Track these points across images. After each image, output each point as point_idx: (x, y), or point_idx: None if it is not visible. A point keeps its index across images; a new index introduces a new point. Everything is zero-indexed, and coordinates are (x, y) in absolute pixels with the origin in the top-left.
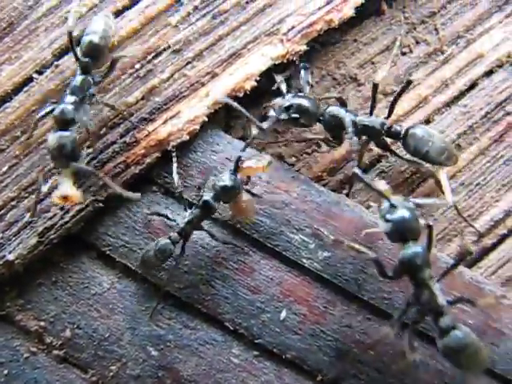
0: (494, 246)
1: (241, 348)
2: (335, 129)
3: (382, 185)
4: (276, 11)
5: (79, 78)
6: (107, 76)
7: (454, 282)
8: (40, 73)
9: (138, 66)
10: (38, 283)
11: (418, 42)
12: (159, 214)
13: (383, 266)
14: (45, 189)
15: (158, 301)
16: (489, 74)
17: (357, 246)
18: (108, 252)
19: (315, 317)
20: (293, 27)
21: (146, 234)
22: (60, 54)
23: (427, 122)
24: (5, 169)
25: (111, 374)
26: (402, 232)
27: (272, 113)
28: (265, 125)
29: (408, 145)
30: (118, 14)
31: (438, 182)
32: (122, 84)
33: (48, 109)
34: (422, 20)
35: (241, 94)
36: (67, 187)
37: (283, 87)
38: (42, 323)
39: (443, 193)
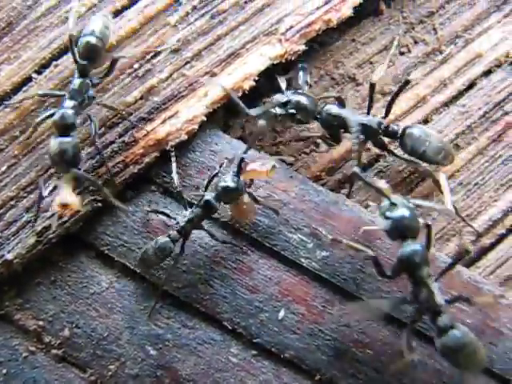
0: (492, 246)
1: (239, 347)
2: (333, 127)
3: (382, 184)
4: (274, 11)
5: (77, 82)
6: (107, 76)
7: (453, 282)
8: (39, 72)
9: (136, 65)
10: (37, 282)
11: (416, 42)
12: (159, 212)
13: (381, 265)
14: (46, 193)
15: (156, 300)
16: (487, 73)
17: (355, 244)
18: (107, 251)
19: (313, 316)
20: (291, 27)
21: (145, 234)
22: (59, 53)
23: (425, 121)
24: (4, 168)
25: (110, 373)
26: (401, 230)
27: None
28: (253, 112)
29: (405, 144)
30: (117, 13)
31: (436, 182)
32: (121, 84)
33: (48, 113)
34: (421, 20)
35: (239, 94)
36: (67, 194)
37: (283, 85)
38: (41, 322)
39: (442, 193)
